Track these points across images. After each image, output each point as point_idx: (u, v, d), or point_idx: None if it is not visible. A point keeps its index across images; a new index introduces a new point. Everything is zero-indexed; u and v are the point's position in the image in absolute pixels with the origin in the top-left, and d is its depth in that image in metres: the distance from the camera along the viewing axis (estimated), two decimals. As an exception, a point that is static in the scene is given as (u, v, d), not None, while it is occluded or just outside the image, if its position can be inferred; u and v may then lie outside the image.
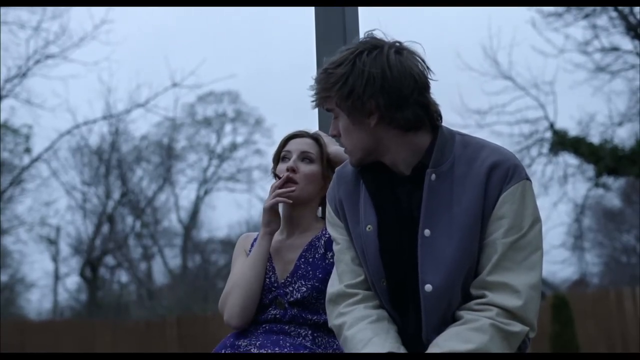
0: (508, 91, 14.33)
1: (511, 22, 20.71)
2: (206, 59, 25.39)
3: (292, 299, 2.04)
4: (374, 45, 1.69)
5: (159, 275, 21.38)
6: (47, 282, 20.36)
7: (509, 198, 1.66)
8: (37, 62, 17.10)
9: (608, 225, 19.64)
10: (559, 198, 14.21)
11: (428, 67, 1.71)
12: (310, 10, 2.74)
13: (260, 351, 1.92)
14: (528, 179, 1.70)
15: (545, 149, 13.98)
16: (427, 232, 1.67)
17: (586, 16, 13.32)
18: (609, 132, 13.47)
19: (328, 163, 2.13)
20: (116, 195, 20.14)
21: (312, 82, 1.75)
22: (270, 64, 25.70)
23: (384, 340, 1.65)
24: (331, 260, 1.98)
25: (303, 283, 2.04)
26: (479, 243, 1.67)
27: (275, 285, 2.07)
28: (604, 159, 12.58)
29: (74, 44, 17.25)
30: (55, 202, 20.23)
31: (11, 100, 17.35)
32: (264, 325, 2.05)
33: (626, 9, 13.12)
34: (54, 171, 19.13)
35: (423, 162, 1.72)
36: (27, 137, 18.12)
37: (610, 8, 13.14)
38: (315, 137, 2.17)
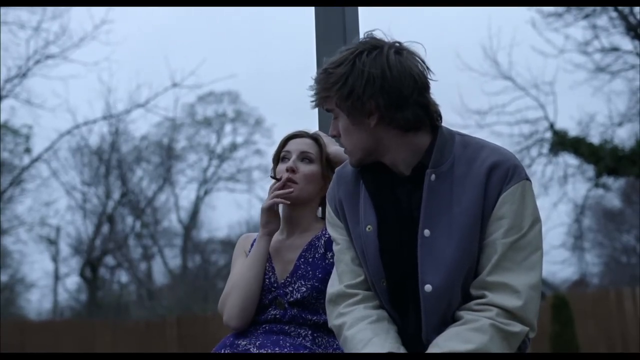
0: (508, 91, 14.34)
1: (511, 22, 20.71)
2: (206, 59, 25.39)
3: (292, 299, 2.04)
4: (374, 46, 1.69)
5: (159, 276, 21.40)
6: (47, 282, 20.38)
7: (508, 198, 1.66)
8: (37, 62, 17.12)
9: (608, 225, 19.65)
10: (559, 198, 14.22)
11: (428, 68, 1.71)
12: (310, 10, 2.74)
13: (260, 351, 1.92)
14: (528, 179, 1.70)
15: (545, 149, 13.99)
16: (427, 232, 1.67)
17: (586, 16, 13.32)
18: (609, 132, 13.48)
19: (328, 163, 2.13)
20: (116, 195, 20.16)
21: (312, 82, 1.75)
22: (270, 64, 25.72)
23: (384, 340, 1.65)
24: (331, 260, 1.98)
25: (303, 283, 2.04)
26: (479, 243, 1.67)
27: (275, 285, 2.07)
28: (604, 159, 12.58)
29: (74, 44, 17.26)
30: (55, 202, 20.24)
31: (11, 101, 17.38)
32: (263, 326, 2.05)
33: (626, 9, 13.12)
34: (54, 171, 19.15)
35: (423, 163, 1.72)
36: (27, 137, 18.14)
37: (610, 8, 13.14)
38: (314, 137, 2.17)
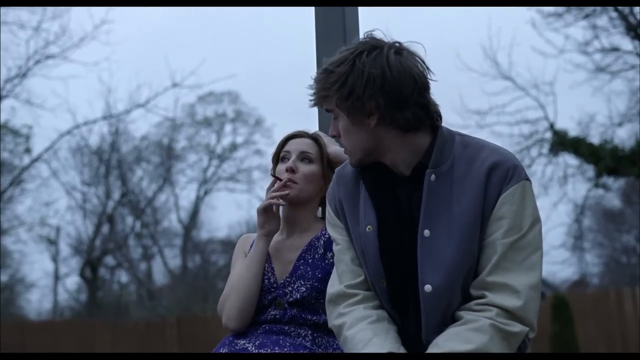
0: (508, 91, 14.33)
1: (511, 22, 20.73)
2: (206, 59, 25.46)
3: (291, 299, 2.04)
4: (374, 46, 1.69)
5: (159, 276, 21.41)
6: (47, 282, 20.41)
7: (508, 198, 1.66)
8: (37, 62, 17.12)
9: (608, 225, 19.67)
10: (559, 198, 14.21)
11: (428, 68, 1.71)
12: (310, 10, 2.74)
13: (260, 351, 1.92)
14: (528, 179, 1.70)
15: (545, 150, 13.98)
16: (426, 232, 1.67)
17: (586, 16, 13.32)
18: (609, 132, 13.47)
19: (328, 163, 2.12)
20: (116, 195, 20.17)
21: (312, 82, 1.75)
22: (270, 64, 25.74)
23: (384, 340, 1.65)
24: (331, 260, 1.98)
25: (302, 283, 2.03)
26: (479, 243, 1.67)
27: (275, 285, 2.07)
28: (604, 159, 12.58)
29: (74, 44, 17.26)
30: (55, 202, 20.26)
31: (11, 101, 17.38)
32: (263, 326, 2.04)
33: (626, 9, 13.11)
34: (54, 171, 19.16)
35: (423, 163, 1.72)
36: (27, 138, 18.15)
37: (610, 8, 13.14)
38: (314, 137, 2.17)
